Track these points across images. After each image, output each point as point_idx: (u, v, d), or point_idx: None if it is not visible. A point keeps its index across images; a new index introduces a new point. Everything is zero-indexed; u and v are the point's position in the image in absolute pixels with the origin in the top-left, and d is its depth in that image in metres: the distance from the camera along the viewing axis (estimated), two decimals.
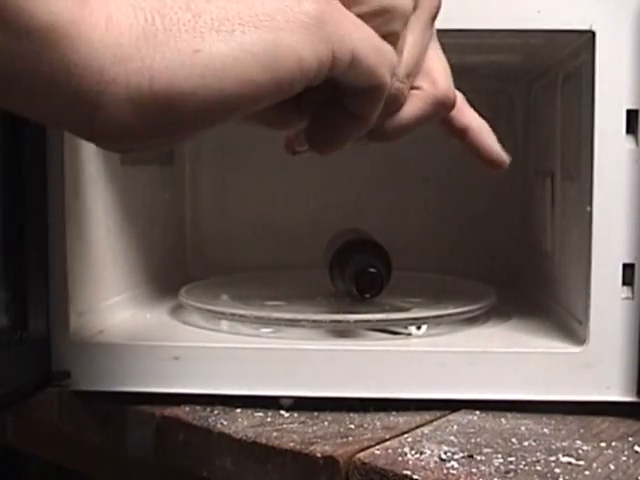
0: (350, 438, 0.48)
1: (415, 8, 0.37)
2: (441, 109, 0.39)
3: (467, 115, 0.42)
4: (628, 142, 0.51)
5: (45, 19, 0.24)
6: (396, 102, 0.37)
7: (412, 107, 0.39)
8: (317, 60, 0.29)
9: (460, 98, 0.42)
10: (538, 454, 0.45)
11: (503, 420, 0.51)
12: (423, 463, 0.44)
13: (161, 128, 0.28)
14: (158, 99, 0.27)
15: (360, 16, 0.32)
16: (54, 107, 0.27)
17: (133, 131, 0.28)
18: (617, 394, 0.52)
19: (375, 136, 0.39)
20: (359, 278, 0.63)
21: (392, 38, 0.34)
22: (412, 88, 0.38)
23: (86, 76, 0.26)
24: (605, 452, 0.46)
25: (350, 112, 0.35)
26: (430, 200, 0.88)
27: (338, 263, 0.67)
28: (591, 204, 0.51)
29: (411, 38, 0.37)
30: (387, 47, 0.33)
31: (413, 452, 0.45)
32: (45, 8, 0.24)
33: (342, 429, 0.49)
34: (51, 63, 0.25)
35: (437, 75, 0.39)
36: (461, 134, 0.42)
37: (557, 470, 0.43)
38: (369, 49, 0.32)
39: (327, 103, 0.35)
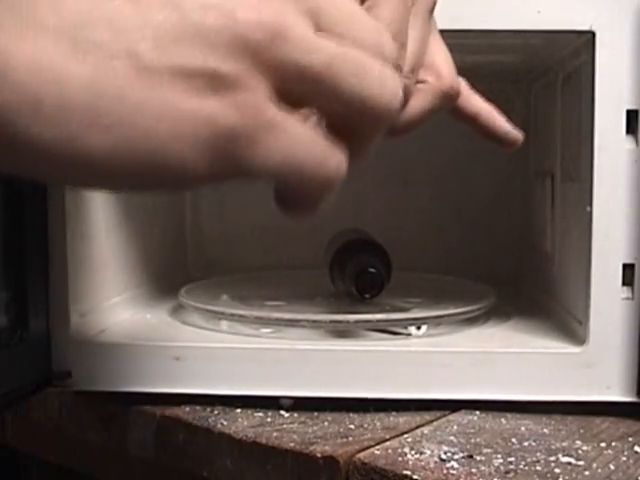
0: (350, 438, 0.48)
1: (413, 3, 0.37)
2: (447, 101, 0.40)
3: (474, 101, 0.43)
4: (628, 142, 0.51)
5: None
6: (403, 98, 0.37)
7: (419, 101, 0.39)
8: (210, 176, 0.25)
9: (465, 85, 0.42)
10: (538, 454, 0.45)
11: (503, 420, 0.51)
12: (423, 463, 0.44)
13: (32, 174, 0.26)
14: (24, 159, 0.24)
15: (322, 111, 0.27)
16: None
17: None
18: (617, 394, 0.52)
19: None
20: (359, 278, 0.63)
21: (364, 139, 0.29)
22: (417, 82, 0.38)
23: None
24: (605, 452, 0.46)
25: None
26: (430, 200, 0.88)
27: (338, 263, 0.68)
28: (591, 204, 0.51)
29: (412, 33, 0.37)
30: (325, 166, 0.27)
31: (413, 452, 0.45)
32: None
33: (342, 429, 0.49)
34: None
35: (441, 68, 0.39)
36: (472, 120, 0.43)
37: (557, 470, 0.43)
38: (293, 169, 0.26)
39: None
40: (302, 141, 0.26)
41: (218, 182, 0.26)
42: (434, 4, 0.39)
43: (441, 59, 0.40)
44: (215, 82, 0.24)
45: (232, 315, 0.60)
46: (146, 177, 0.25)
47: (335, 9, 0.27)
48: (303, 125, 0.26)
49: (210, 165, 0.25)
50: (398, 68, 0.36)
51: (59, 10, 0.23)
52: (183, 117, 0.24)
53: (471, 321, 0.62)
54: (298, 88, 0.26)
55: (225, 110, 0.24)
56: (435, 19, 0.40)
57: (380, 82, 0.27)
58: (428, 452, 0.45)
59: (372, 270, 0.63)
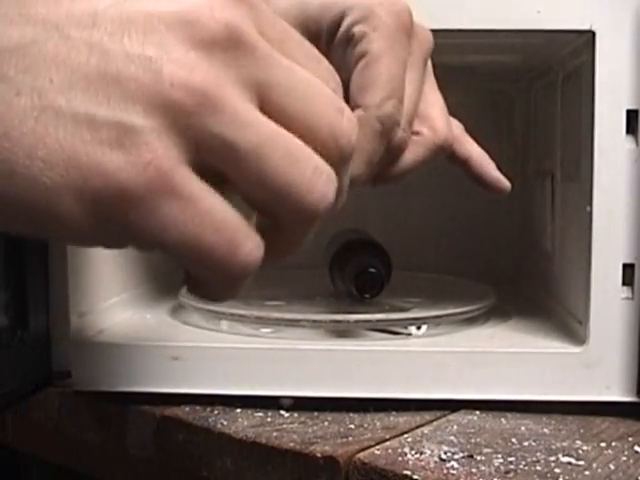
0: (350, 438, 0.48)
1: (410, 54, 0.37)
2: (440, 153, 0.40)
3: (467, 145, 0.43)
4: (628, 142, 0.51)
5: None
6: (399, 150, 0.38)
7: (413, 153, 0.39)
8: (91, 236, 0.24)
9: (460, 129, 0.43)
10: (538, 454, 0.45)
11: (503, 420, 0.51)
12: (423, 463, 0.44)
13: None
14: None
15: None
16: None
17: None
18: (617, 394, 0.52)
19: (378, 181, 0.40)
20: (359, 278, 0.63)
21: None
22: (412, 133, 0.39)
23: None
24: (605, 452, 0.46)
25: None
26: (430, 200, 0.88)
27: (338, 263, 0.68)
28: (591, 204, 0.51)
29: (408, 88, 0.37)
30: (232, 251, 0.24)
31: (413, 452, 0.45)
32: None
33: (342, 429, 0.49)
34: None
35: (436, 120, 0.39)
36: (463, 164, 0.44)
37: (557, 470, 0.43)
38: (197, 248, 0.24)
39: None
40: (211, 219, 0.23)
41: (106, 243, 0.24)
42: (429, 52, 0.39)
43: (436, 111, 0.40)
44: (121, 136, 0.22)
45: (232, 315, 0.60)
46: (26, 222, 0.23)
47: (289, 83, 0.24)
48: (216, 202, 0.24)
49: (94, 224, 0.23)
50: (391, 128, 0.36)
51: None
52: (77, 166, 0.22)
53: (471, 321, 0.62)
54: (219, 164, 0.24)
55: (125, 167, 0.22)
56: (430, 67, 0.40)
57: (312, 178, 0.24)
58: (428, 452, 0.45)
59: (372, 270, 0.63)
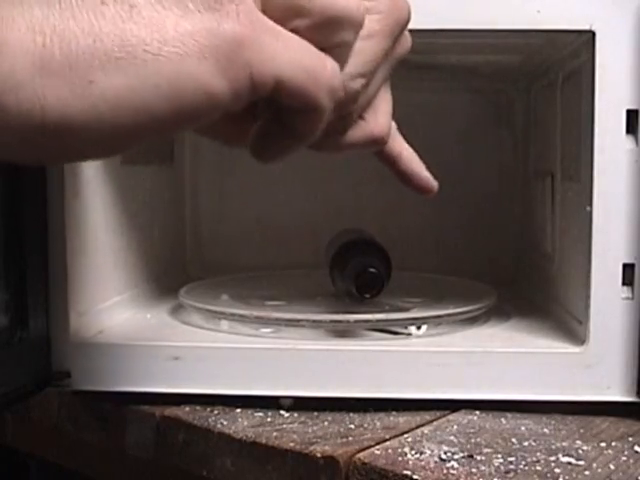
0: (350, 438, 0.48)
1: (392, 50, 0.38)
2: (374, 145, 0.41)
3: (398, 144, 0.44)
4: (628, 142, 0.51)
5: None
6: (342, 127, 0.39)
7: (350, 135, 0.40)
8: (230, 89, 0.27)
9: (393, 128, 0.43)
10: (538, 454, 0.45)
11: (503, 420, 0.51)
12: (423, 463, 0.44)
13: (51, 156, 0.28)
14: (48, 130, 0.25)
15: (303, 30, 0.30)
16: None
17: (24, 158, 0.27)
18: (617, 394, 0.52)
19: (315, 145, 0.41)
20: (359, 278, 0.63)
21: (343, 49, 0.33)
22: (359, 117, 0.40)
23: None
24: (605, 452, 0.46)
25: (289, 128, 0.33)
26: (430, 200, 0.87)
27: (338, 263, 0.67)
28: (591, 204, 0.51)
29: (377, 77, 0.38)
30: (323, 69, 0.31)
31: (413, 452, 0.45)
32: None
33: (342, 429, 0.49)
34: None
35: (381, 114, 0.40)
36: (393, 162, 0.44)
37: (557, 470, 0.43)
38: (299, 72, 0.29)
39: (275, 115, 0.33)
40: (301, 47, 0.29)
41: (240, 101, 0.28)
42: (403, 56, 0.40)
43: (384, 107, 0.41)
44: (205, 1, 0.27)
45: (232, 315, 0.60)
46: (171, 112, 0.26)
47: None
48: (294, 35, 0.29)
49: (226, 76, 0.27)
50: (348, 103, 0.37)
51: None
52: (188, 32, 0.26)
53: (471, 321, 0.62)
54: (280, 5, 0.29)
55: (223, 19, 0.27)
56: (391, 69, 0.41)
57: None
58: (428, 452, 0.45)
59: (372, 270, 0.63)
